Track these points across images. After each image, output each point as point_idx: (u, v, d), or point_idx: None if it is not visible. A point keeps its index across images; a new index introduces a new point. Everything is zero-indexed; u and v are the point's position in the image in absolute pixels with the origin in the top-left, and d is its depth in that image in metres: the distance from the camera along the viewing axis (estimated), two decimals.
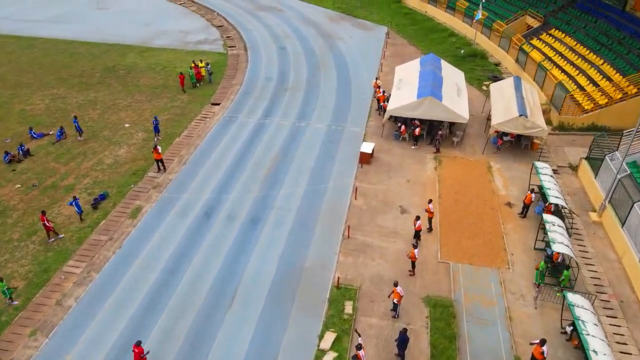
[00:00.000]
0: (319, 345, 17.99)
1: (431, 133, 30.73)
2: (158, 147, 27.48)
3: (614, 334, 18.74)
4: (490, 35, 46.16)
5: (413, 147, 30.30)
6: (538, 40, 41.44)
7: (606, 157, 25.39)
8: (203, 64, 39.42)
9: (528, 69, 38.53)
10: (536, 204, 24.87)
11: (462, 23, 50.94)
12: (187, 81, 38.19)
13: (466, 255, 22.11)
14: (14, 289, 20.16)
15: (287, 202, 25.36)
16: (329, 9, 58.91)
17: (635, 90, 30.60)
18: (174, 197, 25.81)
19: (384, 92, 34.52)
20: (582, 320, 16.81)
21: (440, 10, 55.35)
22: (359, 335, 17.05)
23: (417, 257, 20.64)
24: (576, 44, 38.18)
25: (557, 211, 23.73)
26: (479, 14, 44.42)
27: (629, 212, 21.81)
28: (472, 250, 22.38)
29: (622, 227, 22.34)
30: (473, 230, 23.56)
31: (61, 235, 23.18)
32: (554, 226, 21.11)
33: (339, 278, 20.66)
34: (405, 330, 16.92)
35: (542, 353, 16.44)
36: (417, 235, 22.44)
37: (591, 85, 33.55)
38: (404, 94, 31.07)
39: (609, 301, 20.04)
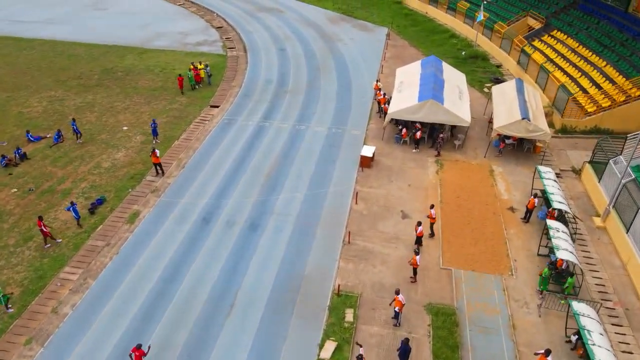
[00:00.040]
0: (319, 355, 17.64)
1: (432, 136, 30.40)
2: (156, 150, 27.15)
3: (619, 342, 18.41)
4: (491, 37, 45.85)
5: (414, 150, 29.97)
6: (540, 42, 41.12)
7: (610, 161, 25.07)
8: (202, 66, 39.11)
9: (530, 70, 38.20)
10: (539, 209, 24.54)
11: (463, 24, 50.62)
12: (186, 83, 37.88)
13: (468, 262, 21.78)
14: (9, 295, 19.83)
15: (287, 207, 25.02)
16: (329, 9, 58.60)
17: (638, 92, 30.29)
18: (172, 201, 25.48)
19: (384, 94, 34.19)
20: (587, 330, 16.48)
21: (441, 11, 55.05)
22: (360, 346, 16.73)
23: (418, 263, 20.31)
24: (578, 46, 37.86)
25: (561, 216, 23.40)
26: (481, 16, 44.09)
27: (634, 218, 21.48)
28: (475, 256, 22.04)
29: (627, 233, 22.01)
30: (475, 236, 23.22)
31: (59, 240, 22.86)
32: (558, 232, 20.79)
33: (339, 285, 20.33)
34: (407, 340, 16.60)
35: None
36: (418, 241, 22.12)
37: (594, 87, 33.22)
38: (405, 97, 30.75)
39: (614, 309, 19.70)
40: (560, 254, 19.48)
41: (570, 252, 19.76)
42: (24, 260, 21.85)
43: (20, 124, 32.69)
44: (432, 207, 22.90)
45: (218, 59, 43.80)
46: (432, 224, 22.97)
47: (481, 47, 46.51)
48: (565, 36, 39.81)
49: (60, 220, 24.18)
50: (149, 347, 17.18)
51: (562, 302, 19.37)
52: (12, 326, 18.80)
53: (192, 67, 38.56)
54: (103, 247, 22.60)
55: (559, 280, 20.50)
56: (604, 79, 33.31)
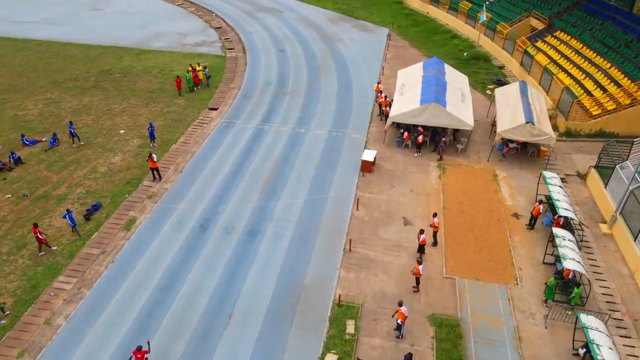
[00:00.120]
0: None
1: (434, 140, 29.88)
2: (153, 155, 26.60)
3: (628, 355, 17.91)
4: (493, 37, 45.25)
5: (416, 154, 29.44)
6: (543, 43, 40.55)
7: (617, 166, 24.54)
8: (200, 68, 38.56)
9: (533, 72, 37.62)
10: (544, 215, 24.03)
11: (464, 24, 50.02)
12: (184, 85, 37.33)
13: (472, 270, 21.26)
14: (2, 305, 19.32)
15: (287, 213, 24.50)
16: (329, 9, 58.00)
17: None
18: (169, 207, 24.96)
19: (385, 97, 33.64)
20: (596, 344, 15.98)
21: (442, 11, 54.44)
22: None
23: (421, 273, 19.79)
24: (582, 47, 37.29)
25: (566, 223, 22.89)
26: (483, 16, 43.53)
27: None
28: (479, 265, 21.53)
29: (634, 241, 21.50)
30: (479, 244, 22.71)
31: (54, 248, 22.34)
32: (565, 241, 20.28)
33: (340, 295, 19.82)
34: (410, 355, 16.10)
35: None
36: (421, 249, 21.61)
37: (599, 90, 32.67)
38: (407, 100, 30.21)
39: (622, 320, 19.21)
40: (567, 264, 18.97)
41: (577, 261, 19.24)
42: (17, 269, 21.33)
43: (15, 127, 32.14)
44: (435, 215, 22.29)
45: (217, 60, 43.23)
46: (435, 233, 22.43)
47: (483, 48, 45.93)
48: (569, 37, 39.24)
49: (55, 227, 23.65)
50: (149, 343, 16.85)
51: (569, 313, 18.88)
52: (5, 338, 18.30)
53: (190, 68, 38.00)
54: (98, 254, 22.08)
55: (565, 289, 19.99)
56: (609, 81, 32.77)
